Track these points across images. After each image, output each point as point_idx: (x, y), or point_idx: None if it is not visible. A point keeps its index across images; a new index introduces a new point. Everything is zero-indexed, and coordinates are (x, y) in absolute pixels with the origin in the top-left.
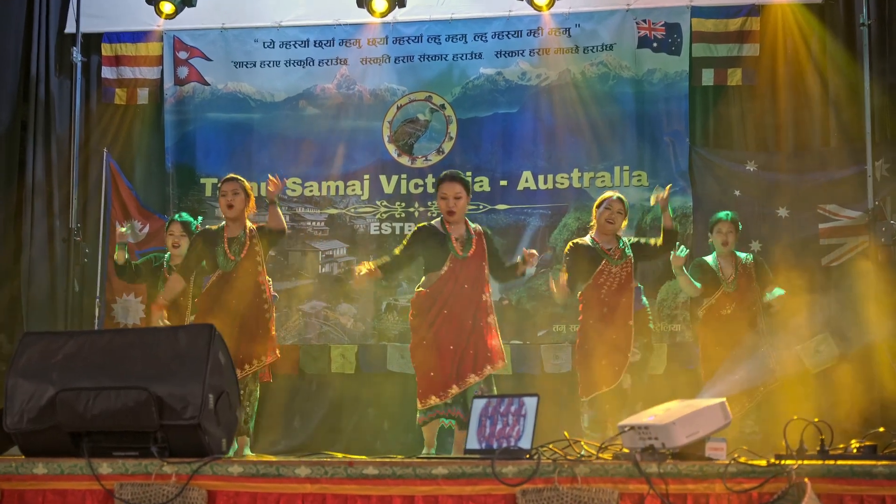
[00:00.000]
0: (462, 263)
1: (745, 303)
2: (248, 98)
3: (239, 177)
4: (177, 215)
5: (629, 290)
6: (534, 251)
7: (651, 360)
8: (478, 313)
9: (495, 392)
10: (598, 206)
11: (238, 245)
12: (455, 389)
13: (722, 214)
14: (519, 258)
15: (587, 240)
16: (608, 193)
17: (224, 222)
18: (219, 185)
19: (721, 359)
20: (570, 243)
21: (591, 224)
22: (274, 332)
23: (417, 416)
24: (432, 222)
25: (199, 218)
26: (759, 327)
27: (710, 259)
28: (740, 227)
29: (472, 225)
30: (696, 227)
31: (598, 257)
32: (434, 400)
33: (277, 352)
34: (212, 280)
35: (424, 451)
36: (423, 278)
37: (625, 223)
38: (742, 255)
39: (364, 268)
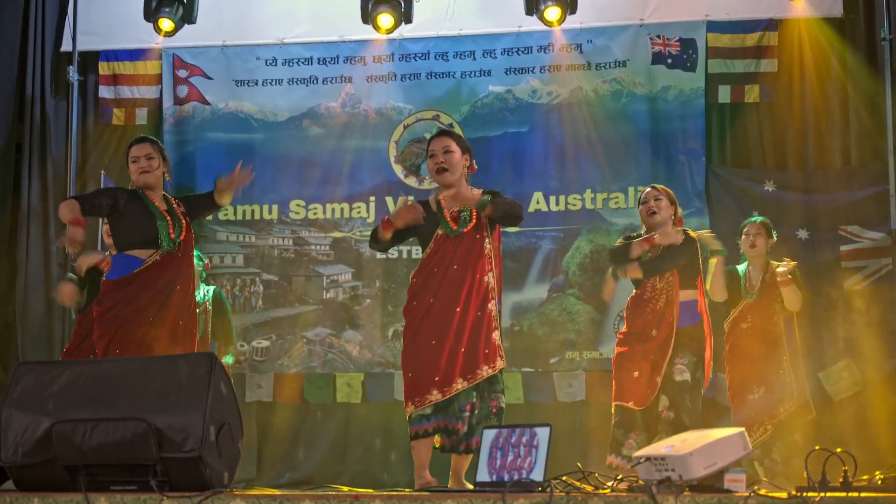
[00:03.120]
0: (452, 242)
1: (765, 315)
2: (249, 117)
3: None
4: None
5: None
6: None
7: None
8: (471, 300)
9: (500, 405)
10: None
11: (177, 220)
12: (436, 396)
13: (752, 218)
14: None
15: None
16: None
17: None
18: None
19: (745, 375)
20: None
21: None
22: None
23: None
24: (427, 198)
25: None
26: (784, 344)
27: (740, 268)
28: (774, 233)
29: (476, 191)
30: None
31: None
32: (411, 408)
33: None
34: (154, 260)
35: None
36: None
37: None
38: (779, 264)
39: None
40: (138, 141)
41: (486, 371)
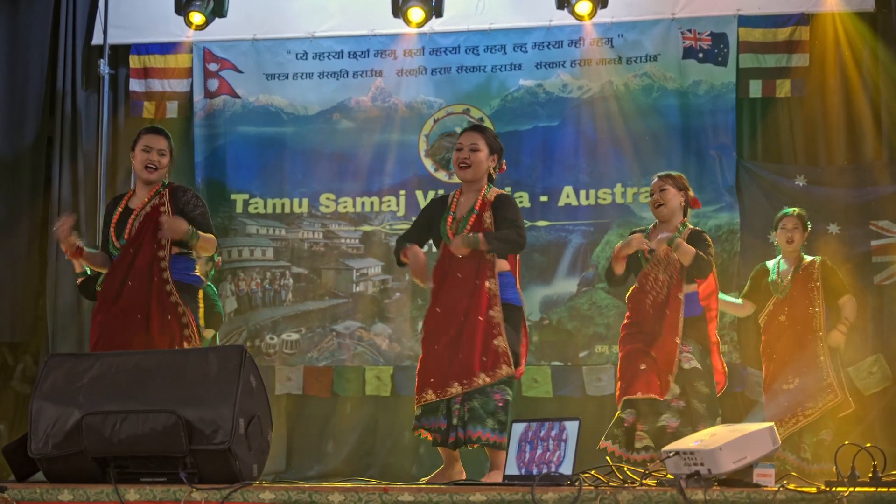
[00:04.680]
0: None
1: (801, 307)
2: (280, 111)
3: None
4: None
5: (677, 299)
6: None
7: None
8: (471, 306)
9: (506, 397)
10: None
11: (124, 221)
12: (430, 396)
13: (788, 210)
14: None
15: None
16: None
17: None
18: (139, 135)
19: (780, 367)
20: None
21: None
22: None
23: None
24: (451, 194)
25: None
26: (821, 337)
27: (771, 263)
28: (809, 225)
29: (490, 194)
30: (744, 244)
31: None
32: (415, 407)
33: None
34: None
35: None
36: None
37: (681, 200)
38: (809, 257)
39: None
40: (155, 131)
41: (482, 379)
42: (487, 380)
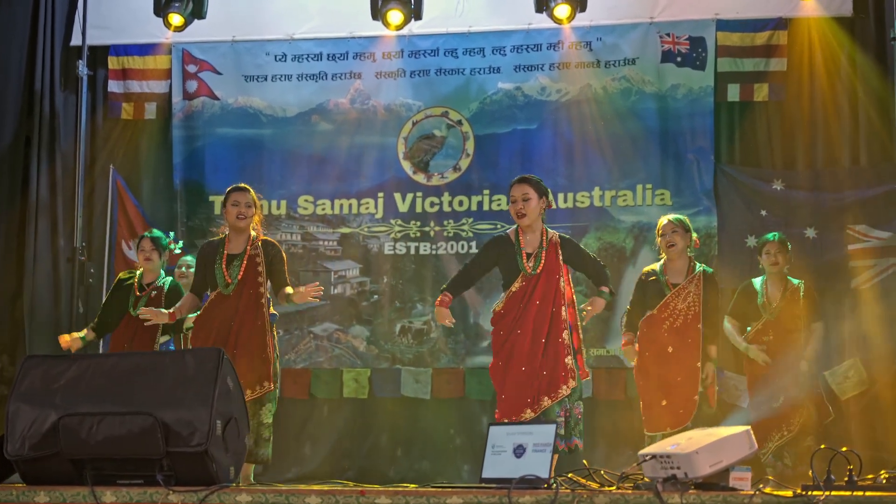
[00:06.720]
0: (532, 280)
1: (786, 330)
2: (259, 113)
3: (249, 188)
4: (147, 232)
5: (696, 328)
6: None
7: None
8: (552, 331)
9: (581, 409)
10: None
11: (236, 262)
12: (529, 414)
13: (770, 235)
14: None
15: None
16: (661, 219)
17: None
18: (228, 193)
19: (765, 384)
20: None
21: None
22: (272, 358)
23: None
24: (507, 231)
25: (171, 233)
26: (803, 354)
27: (758, 282)
28: (790, 247)
29: (550, 233)
30: (722, 247)
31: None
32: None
33: (272, 384)
34: (210, 299)
35: None
36: (502, 295)
37: (691, 242)
38: (794, 280)
39: (443, 316)
40: (240, 189)
41: (563, 391)
42: (566, 391)
